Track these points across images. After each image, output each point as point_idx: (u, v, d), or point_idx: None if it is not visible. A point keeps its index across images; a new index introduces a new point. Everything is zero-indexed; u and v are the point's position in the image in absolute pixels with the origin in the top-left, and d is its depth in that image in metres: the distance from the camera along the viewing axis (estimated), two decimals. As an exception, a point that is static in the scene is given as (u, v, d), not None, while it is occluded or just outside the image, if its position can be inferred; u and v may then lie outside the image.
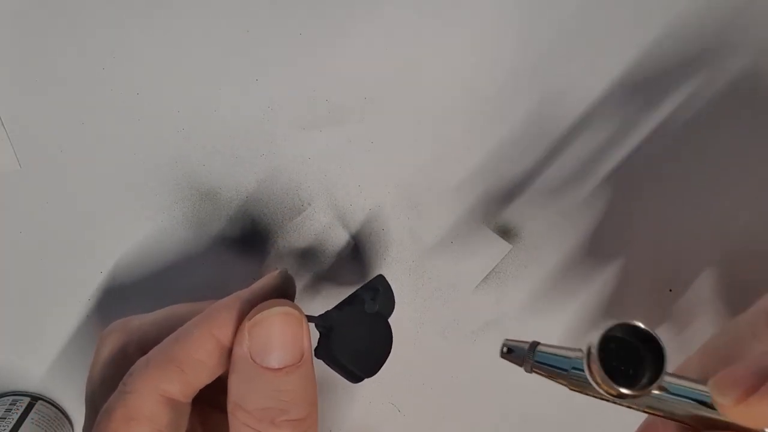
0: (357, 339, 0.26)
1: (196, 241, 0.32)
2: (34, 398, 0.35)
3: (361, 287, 0.28)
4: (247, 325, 0.22)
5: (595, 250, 0.31)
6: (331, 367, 0.25)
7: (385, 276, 0.29)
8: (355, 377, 0.26)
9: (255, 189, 0.32)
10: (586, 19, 0.28)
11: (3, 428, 0.32)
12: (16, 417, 0.33)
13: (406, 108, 0.30)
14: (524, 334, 0.33)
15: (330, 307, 0.27)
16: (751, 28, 0.28)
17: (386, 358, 0.27)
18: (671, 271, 0.31)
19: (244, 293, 0.23)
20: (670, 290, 0.31)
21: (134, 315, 0.27)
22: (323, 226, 0.32)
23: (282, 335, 0.22)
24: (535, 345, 0.24)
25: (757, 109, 0.29)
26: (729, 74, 0.29)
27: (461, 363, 0.34)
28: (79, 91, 0.30)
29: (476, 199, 0.31)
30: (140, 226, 0.32)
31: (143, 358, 0.23)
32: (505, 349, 0.25)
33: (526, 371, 0.24)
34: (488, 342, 0.34)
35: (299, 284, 0.33)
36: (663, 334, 0.32)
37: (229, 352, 0.22)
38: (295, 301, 0.34)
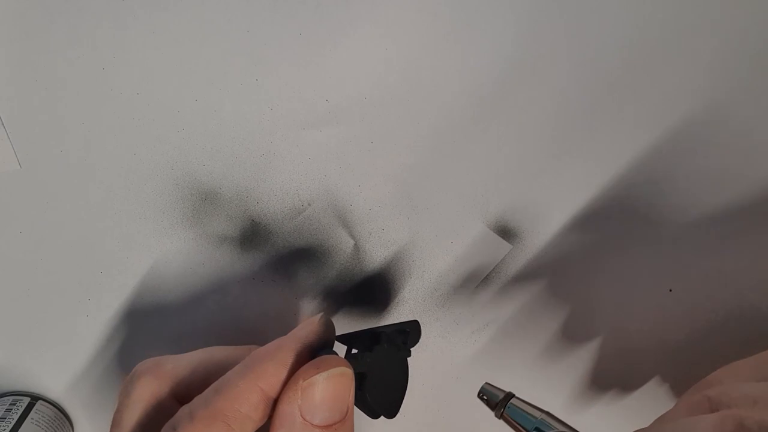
0: (386, 382, 0.26)
1: (196, 241, 0.32)
2: (34, 398, 0.35)
3: (391, 326, 0.27)
4: (301, 385, 0.22)
5: (595, 249, 0.31)
6: (358, 407, 0.25)
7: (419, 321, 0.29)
8: (377, 415, 0.26)
9: (255, 189, 0.32)
10: (587, 19, 0.28)
11: (3, 428, 0.32)
12: (16, 417, 0.33)
13: (406, 108, 0.30)
14: (524, 334, 0.33)
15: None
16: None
17: (404, 396, 0.27)
18: (671, 271, 0.31)
19: (288, 343, 0.23)
20: (670, 290, 0.31)
21: (166, 355, 0.26)
22: (323, 226, 0.32)
23: (334, 395, 0.22)
24: (509, 397, 0.27)
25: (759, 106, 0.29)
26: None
27: (461, 363, 0.34)
28: (79, 91, 0.30)
29: (476, 199, 0.31)
30: (140, 227, 0.32)
31: (185, 410, 0.22)
32: (481, 393, 0.28)
33: (496, 416, 0.27)
34: (488, 342, 0.34)
35: (299, 284, 0.33)
36: (663, 334, 0.32)
37: (273, 403, 0.22)
38: (296, 302, 0.34)
